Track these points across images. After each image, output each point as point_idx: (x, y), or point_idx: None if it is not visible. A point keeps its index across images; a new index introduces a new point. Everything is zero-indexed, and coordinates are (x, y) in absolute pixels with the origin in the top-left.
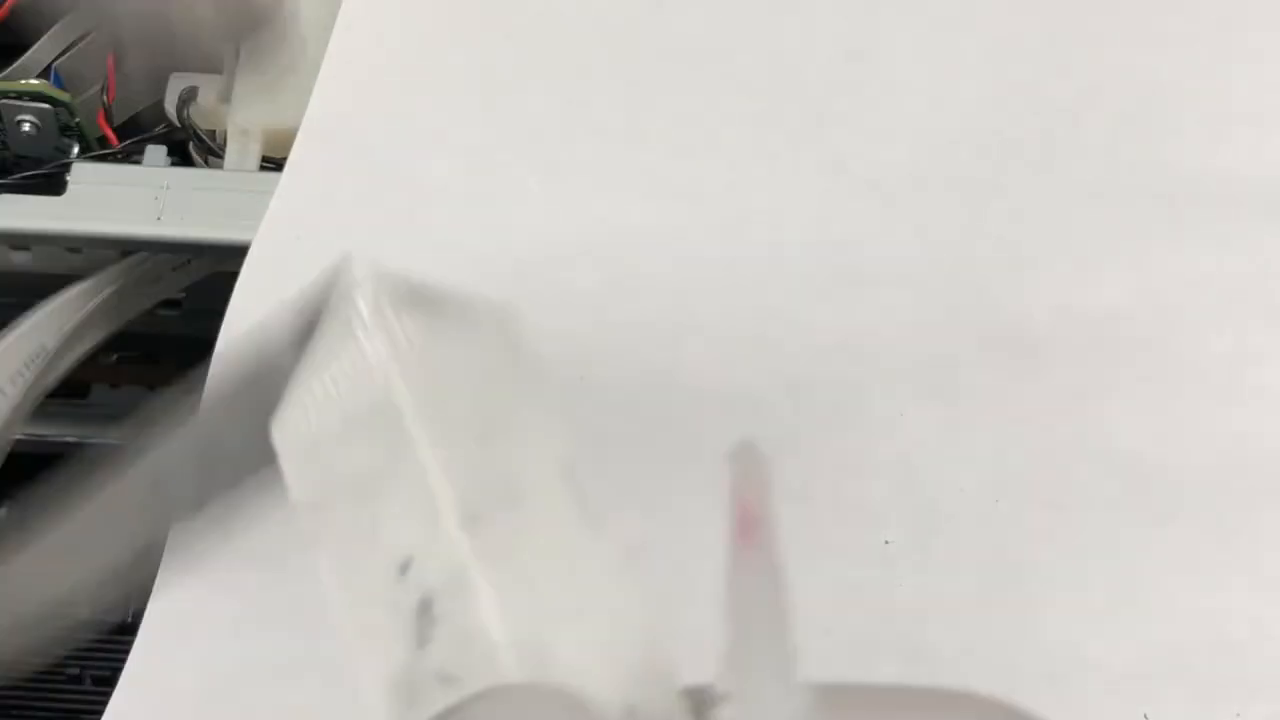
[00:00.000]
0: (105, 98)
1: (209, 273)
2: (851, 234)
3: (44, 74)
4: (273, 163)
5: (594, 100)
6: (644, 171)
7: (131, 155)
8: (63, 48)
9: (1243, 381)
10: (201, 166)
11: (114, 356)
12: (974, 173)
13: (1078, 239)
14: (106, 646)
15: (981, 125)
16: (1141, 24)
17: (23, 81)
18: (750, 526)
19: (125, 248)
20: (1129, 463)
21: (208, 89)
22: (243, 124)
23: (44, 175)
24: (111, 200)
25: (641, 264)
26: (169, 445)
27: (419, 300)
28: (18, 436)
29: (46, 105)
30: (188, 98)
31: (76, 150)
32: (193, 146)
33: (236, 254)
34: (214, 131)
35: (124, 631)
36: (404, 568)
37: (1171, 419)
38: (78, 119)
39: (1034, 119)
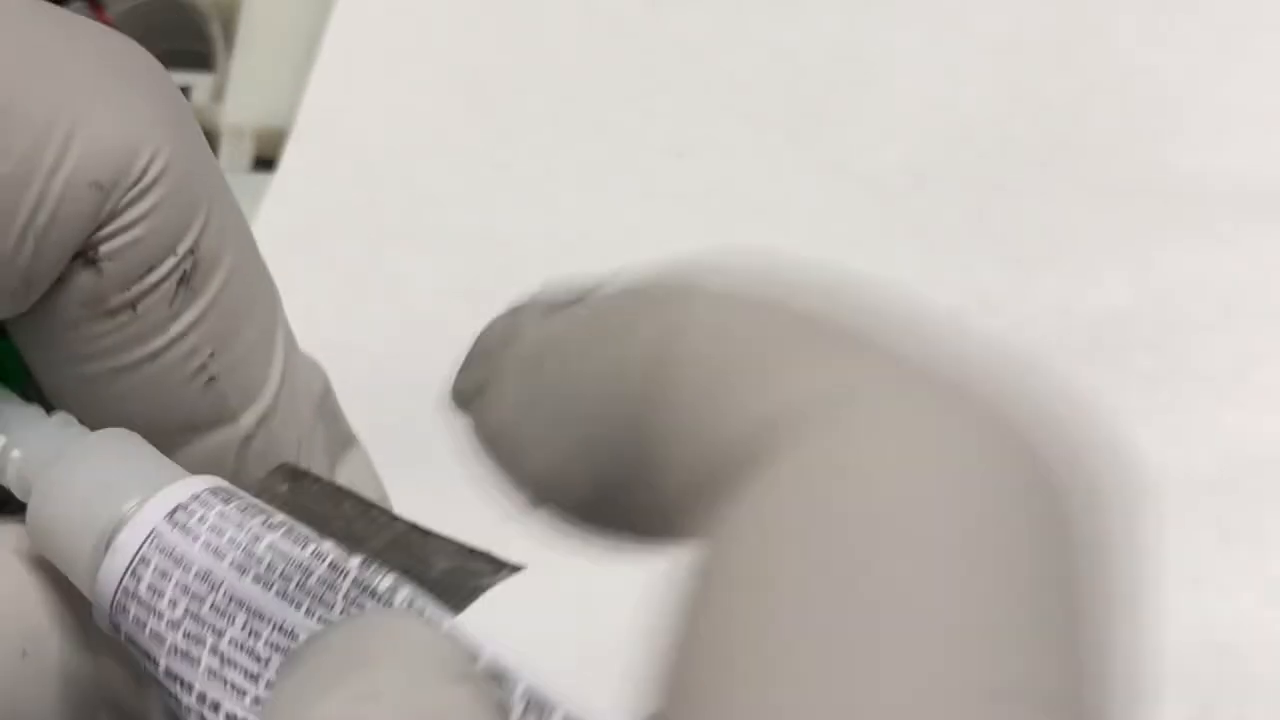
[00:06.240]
0: None
1: None
2: (851, 234)
3: None
4: (266, 163)
5: (591, 100)
6: (642, 171)
7: None
8: None
9: (1244, 382)
10: None
11: None
12: (974, 172)
13: (1078, 239)
14: None
15: (981, 125)
16: (1143, 24)
17: None
18: None
19: None
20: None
21: (200, 88)
22: (236, 123)
23: None
24: None
25: (640, 264)
26: None
27: None
28: None
29: None
30: None
31: None
32: None
33: None
34: (207, 131)
35: None
36: None
37: (1173, 421)
38: None
39: (1034, 118)
